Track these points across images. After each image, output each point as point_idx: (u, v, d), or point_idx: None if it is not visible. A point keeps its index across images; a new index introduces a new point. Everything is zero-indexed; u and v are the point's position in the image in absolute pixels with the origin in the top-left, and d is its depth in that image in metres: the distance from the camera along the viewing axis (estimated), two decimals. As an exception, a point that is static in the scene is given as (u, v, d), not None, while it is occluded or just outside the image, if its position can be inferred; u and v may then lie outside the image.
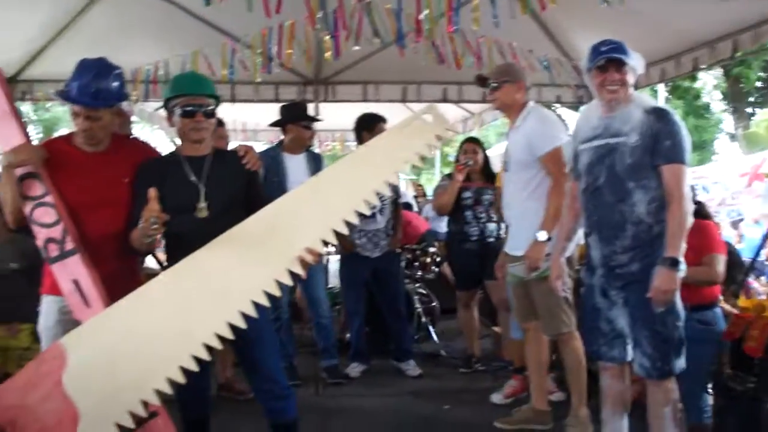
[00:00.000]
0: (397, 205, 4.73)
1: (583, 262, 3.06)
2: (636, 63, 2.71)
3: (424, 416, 3.85)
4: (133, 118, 5.57)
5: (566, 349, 3.38)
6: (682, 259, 2.56)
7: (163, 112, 7.64)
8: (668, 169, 2.61)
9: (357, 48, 4.78)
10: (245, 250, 2.41)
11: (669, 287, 2.55)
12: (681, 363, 2.67)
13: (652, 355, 2.64)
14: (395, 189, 4.72)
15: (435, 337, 5.21)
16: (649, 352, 2.64)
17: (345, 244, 4.57)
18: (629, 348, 2.76)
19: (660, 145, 2.61)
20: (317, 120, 4.46)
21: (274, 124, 4.51)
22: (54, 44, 5.56)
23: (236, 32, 5.32)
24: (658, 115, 2.65)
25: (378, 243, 4.58)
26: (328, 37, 4.63)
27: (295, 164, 4.25)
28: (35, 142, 2.63)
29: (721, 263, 3.35)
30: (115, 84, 2.55)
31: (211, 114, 2.66)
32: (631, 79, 2.70)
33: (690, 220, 2.62)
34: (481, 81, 3.56)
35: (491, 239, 4.50)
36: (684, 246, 2.58)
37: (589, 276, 2.87)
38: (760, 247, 3.85)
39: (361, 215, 4.39)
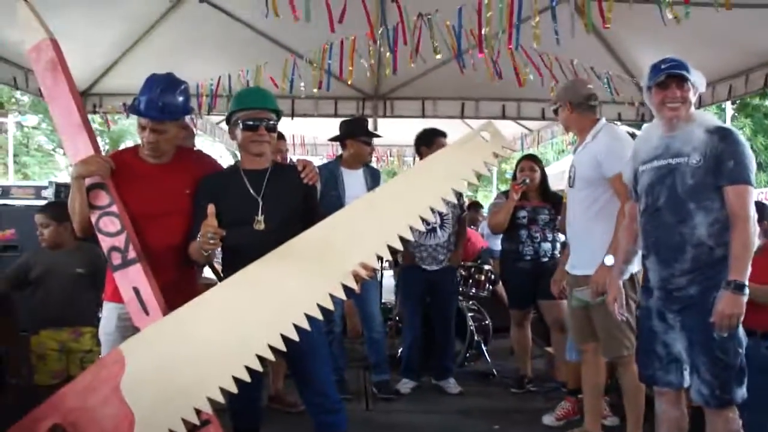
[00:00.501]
0: (461, 221, 4.72)
1: (642, 285, 2.99)
2: (697, 80, 2.66)
3: (474, 435, 3.80)
4: (196, 131, 5.73)
5: (626, 373, 3.28)
6: (747, 282, 2.47)
7: (224, 126, 7.86)
8: (732, 190, 2.54)
9: (414, 65, 4.80)
10: (300, 263, 2.44)
11: (733, 311, 2.46)
12: (742, 392, 2.56)
13: (711, 383, 2.55)
14: (460, 205, 4.70)
15: (487, 356, 5.15)
16: (707, 379, 2.56)
17: (405, 256, 4.59)
18: (686, 373, 2.67)
19: (723, 166, 2.55)
20: (377, 136, 4.49)
21: (334, 139, 4.56)
22: (123, 60, 5.79)
23: (299, 47, 5.42)
24: (722, 135, 2.59)
25: (436, 258, 4.57)
26: (388, 53, 4.67)
27: (353, 179, 4.29)
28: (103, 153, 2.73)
29: None
30: (181, 98, 2.64)
31: (273, 128, 2.72)
32: (692, 97, 2.65)
33: (756, 242, 2.55)
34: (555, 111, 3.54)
35: (545, 259, 4.45)
36: (749, 269, 2.49)
37: (646, 298, 2.80)
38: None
39: (423, 231, 4.45)
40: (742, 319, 2.52)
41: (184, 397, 2.39)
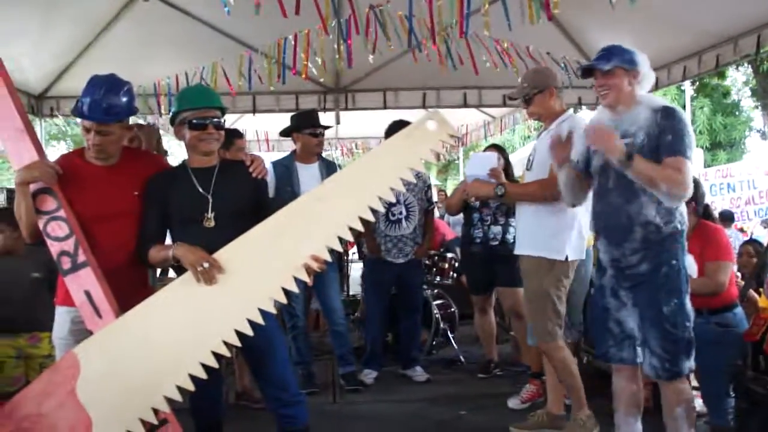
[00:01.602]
0: (428, 213, 4.74)
1: (595, 264, 3.06)
2: (640, 64, 2.72)
3: (441, 422, 3.85)
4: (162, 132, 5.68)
5: (552, 361, 3.34)
6: (636, 164, 2.58)
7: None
8: (669, 161, 2.60)
9: (371, 56, 4.81)
10: (251, 258, 2.45)
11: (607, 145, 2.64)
12: (690, 363, 2.66)
13: (662, 356, 2.64)
14: (428, 198, 4.70)
15: (453, 343, 5.20)
16: (658, 352, 2.64)
17: (372, 249, 4.61)
18: (639, 350, 2.74)
19: (662, 140, 2.62)
20: (324, 127, 4.41)
21: (282, 134, 4.55)
22: (79, 62, 5.71)
23: (254, 43, 5.40)
24: (664, 113, 2.66)
25: (403, 249, 4.59)
26: (342, 46, 4.67)
27: (307, 173, 4.26)
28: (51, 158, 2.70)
29: (723, 271, 3.32)
30: (125, 99, 2.61)
31: (221, 126, 2.72)
32: (625, 81, 2.71)
33: (687, 189, 2.61)
34: (512, 100, 3.57)
35: (495, 243, 4.48)
36: (650, 172, 2.59)
37: (600, 276, 2.87)
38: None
39: (388, 221, 4.45)
40: (687, 295, 2.63)
41: (142, 397, 2.38)
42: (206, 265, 2.40)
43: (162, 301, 2.46)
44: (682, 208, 2.69)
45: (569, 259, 3.24)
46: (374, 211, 2.44)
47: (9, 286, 3.31)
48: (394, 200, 2.60)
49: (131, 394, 2.39)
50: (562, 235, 3.24)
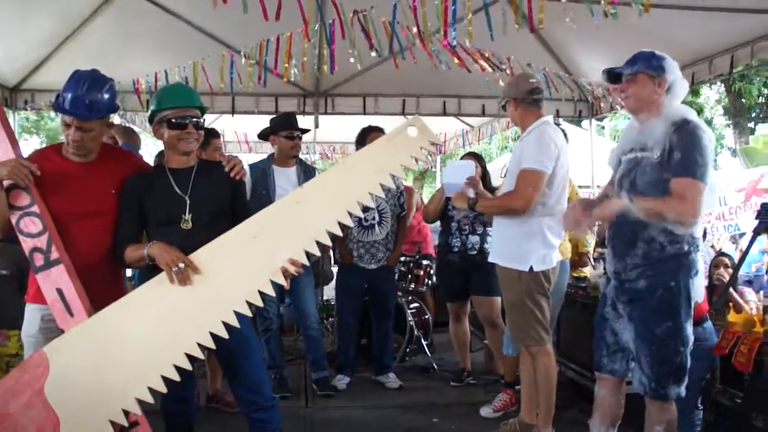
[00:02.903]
0: (400, 219, 4.73)
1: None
2: (667, 71, 2.64)
3: (413, 428, 3.84)
4: (138, 129, 5.61)
5: (535, 363, 3.35)
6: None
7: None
8: (675, 183, 2.50)
9: (354, 60, 4.81)
10: (228, 260, 2.43)
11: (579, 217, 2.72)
12: (678, 390, 2.60)
13: (649, 376, 2.61)
14: (400, 204, 4.68)
15: (427, 350, 5.20)
16: (646, 371, 2.62)
17: (344, 255, 4.59)
18: (632, 364, 2.72)
19: (671, 158, 2.52)
20: (302, 130, 4.37)
21: (260, 136, 4.52)
22: (55, 55, 5.64)
23: (236, 44, 5.37)
24: (677, 127, 2.55)
25: (375, 255, 4.58)
26: (325, 51, 4.67)
27: (284, 176, 4.23)
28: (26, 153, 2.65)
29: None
30: (108, 96, 2.56)
31: (201, 125, 2.70)
32: (651, 88, 2.63)
33: (694, 215, 2.53)
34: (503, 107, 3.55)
35: (473, 252, 4.49)
36: (652, 209, 2.53)
37: (605, 285, 2.88)
38: (741, 260, 3.83)
39: (361, 226, 4.44)
40: (687, 319, 2.58)
41: (111, 398, 2.35)
42: (181, 265, 2.38)
43: (135, 301, 2.44)
44: (695, 231, 2.60)
45: (534, 270, 3.23)
46: (353, 216, 2.44)
47: (-23, 283, 3.24)
48: (373, 206, 2.59)
49: (101, 394, 2.35)
50: (525, 246, 3.24)
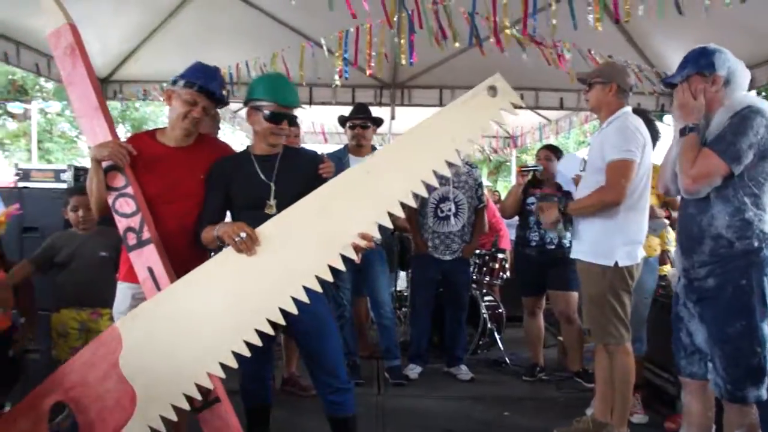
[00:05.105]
0: (478, 212, 4.72)
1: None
2: (718, 67, 2.58)
3: (483, 421, 3.82)
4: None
5: (613, 362, 3.26)
6: None
7: (244, 113, 7.83)
8: (702, 152, 2.49)
9: (438, 49, 4.78)
10: (296, 233, 2.41)
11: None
12: (758, 393, 2.49)
13: (724, 377, 2.52)
14: (478, 196, 4.68)
15: (500, 344, 5.17)
16: (720, 373, 2.53)
17: (419, 245, 4.61)
18: (710, 365, 2.62)
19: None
20: (363, 119, 4.41)
21: (341, 123, 4.60)
22: (142, 48, 5.88)
23: (312, 34, 5.45)
24: (735, 113, 2.49)
25: (450, 246, 4.58)
26: (403, 41, 4.67)
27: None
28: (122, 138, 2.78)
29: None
30: (221, 86, 2.75)
31: (296, 123, 2.78)
32: (707, 86, 2.59)
33: (689, 183, 2.54)
34: (581, 81, 3.45)
35: (551, 246, 4.45)
36: None
37: (676, 284, 2.80)
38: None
39: (436, 217, 4.44)
40: (760, 315, 2.47)
41: (184, 372, 2.41)
42: (243, 234, 2.39)
43: (205, 276, 2.46)
44: (764, 226, 2.50)
45: (620, 265, 3.15)
46: (429, 187, 2.33)
47: (79, 262, 3.41)
48: (450, 175, 2.48)
49: (174, 368, 2.41)
50: (610, 241, 3.16)
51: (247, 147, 2.88)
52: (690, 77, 2.62)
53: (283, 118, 2.68)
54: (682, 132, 2.59)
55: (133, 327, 2.47)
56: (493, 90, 2.26)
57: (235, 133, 11.16)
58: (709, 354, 2.60)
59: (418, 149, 2.35)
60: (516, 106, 2.30)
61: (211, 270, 2.48)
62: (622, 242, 3.16)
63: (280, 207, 2.61)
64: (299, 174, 2.72)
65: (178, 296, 2.46)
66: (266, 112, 2.66)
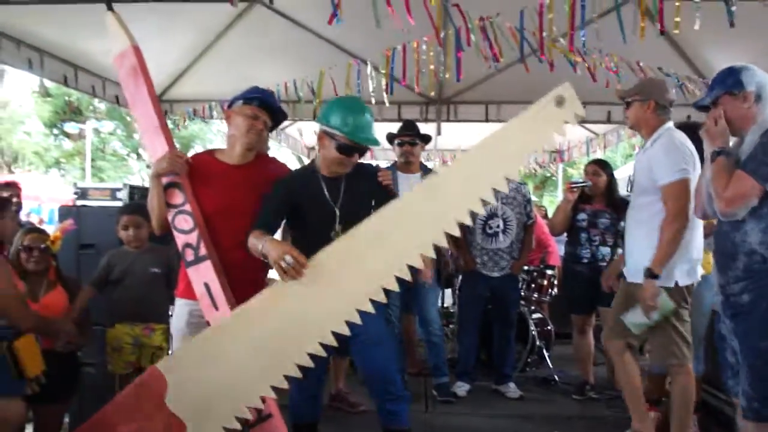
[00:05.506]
0: (527, 228, 4.68)
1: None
2: (746, 84, 2.55)
3: (533, 439, 3.77)
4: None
5: (674, 382, 3.19)
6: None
7: (290, 131, 8.01)
8: (737, 174, 2.44)
9: (487, 66, 4.78)
10: (352, 257, 2.41)
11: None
12: None
13: (748, 393, 2.45)
14: (527, 213, 4.64)
15: (549, 362, 5.09)
16: (745, 388, 2.46)
17: (467, 262, 4.60)
18: None
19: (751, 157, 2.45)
20: (410, 136, 4.42)
21: (389, 141, 4.62)
22: (192, 68, 6.03)
23: (359, 52, 5.51)
24: (764, 131, 2.47)
25: (498, 263, 4.56)
26: (449, 58, 4.68)
27: (407, 183, 4.23)
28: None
29: None
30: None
31: (363, 155, 2.82)
32: (737, 105, 2.56)
33: (724, 206, 2.49)
34: (621, 98, 3.41)
35: (603, 264, 4.38)
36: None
37: (718, 301, 2.74)
38: None
39: (485, 234, 4.41)
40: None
41: (237, 398, 2.44)
42: (288, 258, 2.37)
43: (260, 303, 2.48)
44: None
45: (680, 285, 3.10)
46: (485, 203, 2.29)
47: (132, 279, 3.50)
48: (507, 191, 2.42)
49: (226, 395, 2.44)
50: (669, 261, 3.09)
51: (312, 162, 2.91)
52: (719, 98, 2.59)
53: (354, 151, 2.71)
54: (712, 157, 2.56)
55: (175, 368, 2.51)
56: (560, 100, 2.20)
57: (281, 149, 11.30)
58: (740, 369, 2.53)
59: (480, 167, 2.30)
60: (578, 117, 2.24)
61: (268, 296, 2.49)
62: (680, 261, 3.10)
63: (346, 230, 2.56)
64: (364, 193, 2.76)
65: (235, 322, 2.49)
66: (338, 142, 2.68)
